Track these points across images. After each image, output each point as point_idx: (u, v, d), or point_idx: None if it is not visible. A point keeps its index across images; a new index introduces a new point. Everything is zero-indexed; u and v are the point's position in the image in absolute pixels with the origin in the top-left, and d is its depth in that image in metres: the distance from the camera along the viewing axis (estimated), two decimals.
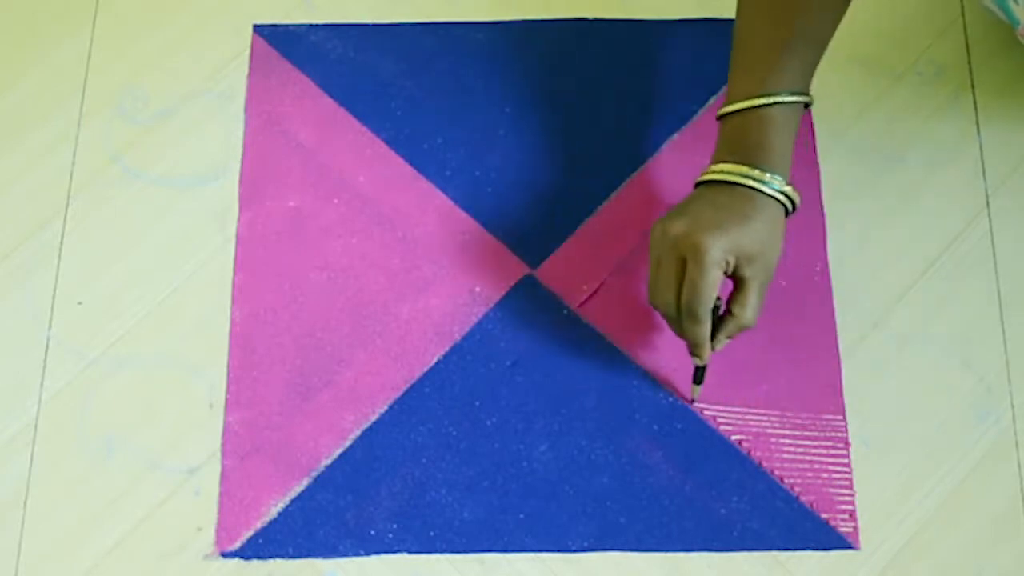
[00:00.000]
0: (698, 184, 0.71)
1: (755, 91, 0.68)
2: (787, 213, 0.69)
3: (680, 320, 0.68)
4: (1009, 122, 0.83)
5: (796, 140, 0.72)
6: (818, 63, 0.71)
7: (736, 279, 0.68)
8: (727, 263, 0.66)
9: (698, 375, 0.73)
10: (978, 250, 0.80)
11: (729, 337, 0.69)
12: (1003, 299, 0.79)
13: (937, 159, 0.82)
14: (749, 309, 0.68)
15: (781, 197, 0.68)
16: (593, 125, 0.84)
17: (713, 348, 0.69)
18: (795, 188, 0.68)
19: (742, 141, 0.69)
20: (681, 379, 0.76)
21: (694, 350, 0.70)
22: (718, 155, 0.70)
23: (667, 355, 0.77)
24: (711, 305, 0.67)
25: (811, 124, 0.84)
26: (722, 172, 0.68)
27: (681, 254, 0.66)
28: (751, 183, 0.67)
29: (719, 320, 0.69)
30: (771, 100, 0.68)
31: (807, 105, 0.69)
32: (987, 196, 0.81)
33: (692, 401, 0.75)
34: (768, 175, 0.67)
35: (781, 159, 0.68)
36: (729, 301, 0.69)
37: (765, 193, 0.67)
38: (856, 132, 0.84)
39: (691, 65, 0.86)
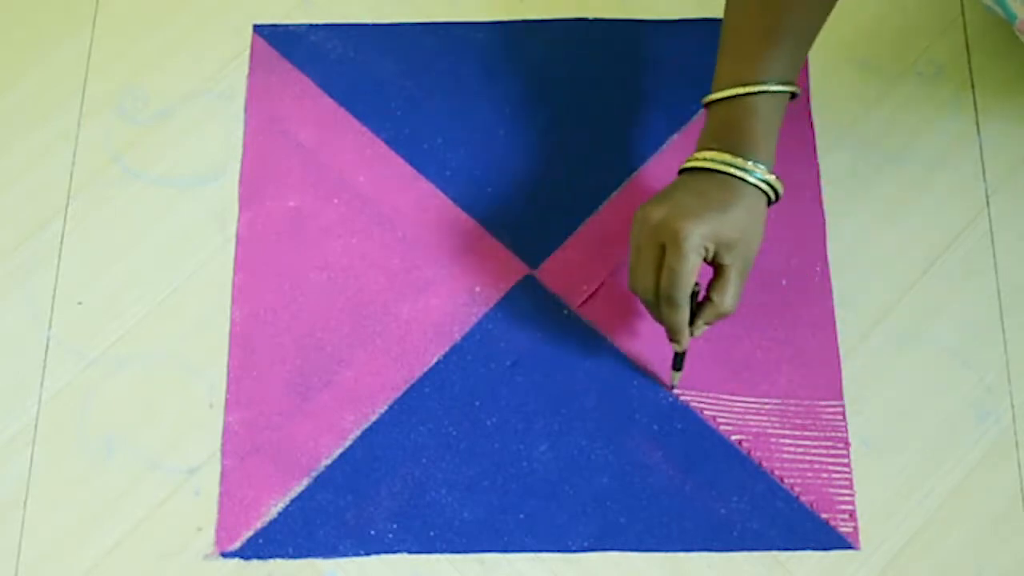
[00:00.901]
0: (682, 171, 0.71)
1: (743, 79, 0.69)
2: (770, 202, 0.70)
3: (659, 306, 0.69)
4: (1009, 122, 0.83)
5: (782, 130, 0.72)
6: (806, 55, 0.71)
7: (716, 266, 0.69)
8: (706, 250, 0.67)
9: (677, 361, 0.74)
10: (978, 250, 0.80)
11: (707, 323, 0.70)
12: (1003, 299, 0.79)
13: (937, 159, 0.81)
14: (728, 296, 0.68)
15: (763, 186, 0.68)
16: (593, 125, 0.84)
17: (692, 334, 0.70)
18: (779, 177, 0.69)
19: (727, 129, 0.69)
20: (683, 376, 0.76)
21: (673, 336, 0.70)
22: (703, 142, 0.71)
23: (668, 355, 0.76)
24: (689, 291, 0.67)
25: (811, 124, 0.83)
26: (705, 160, 0.69)
27: (660, 240, 0.67)
28: (734, 171, 0.67)
29: (698, 306, 0.70)
30: (758, 89, 0.68)
31: (793, 95, 0.70)
32: (987, 196, 0.81)
33: (672, 388, 0.75)
34: (751, 163, 0.68)
35: (765, 148, 0.69)
36: (708, 288, 0.70)
37: (747, 181, 0.68)
38: (856, 132, 0.84)
39: (691, 65, 0.85)
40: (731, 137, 0.69)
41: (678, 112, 0.84)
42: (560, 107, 0.84)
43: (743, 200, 0.67)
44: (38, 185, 0.83)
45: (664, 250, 0.67)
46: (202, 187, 0.83)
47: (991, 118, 0.83)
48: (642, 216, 0.68)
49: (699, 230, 0.65)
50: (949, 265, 0.80)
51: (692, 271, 0.66)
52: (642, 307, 0.78)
